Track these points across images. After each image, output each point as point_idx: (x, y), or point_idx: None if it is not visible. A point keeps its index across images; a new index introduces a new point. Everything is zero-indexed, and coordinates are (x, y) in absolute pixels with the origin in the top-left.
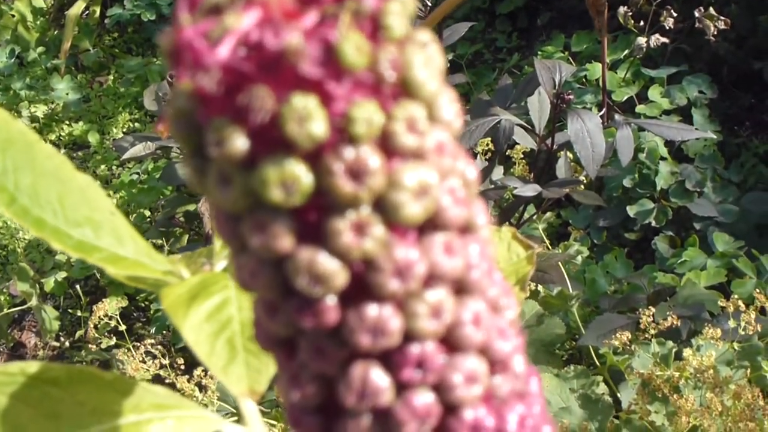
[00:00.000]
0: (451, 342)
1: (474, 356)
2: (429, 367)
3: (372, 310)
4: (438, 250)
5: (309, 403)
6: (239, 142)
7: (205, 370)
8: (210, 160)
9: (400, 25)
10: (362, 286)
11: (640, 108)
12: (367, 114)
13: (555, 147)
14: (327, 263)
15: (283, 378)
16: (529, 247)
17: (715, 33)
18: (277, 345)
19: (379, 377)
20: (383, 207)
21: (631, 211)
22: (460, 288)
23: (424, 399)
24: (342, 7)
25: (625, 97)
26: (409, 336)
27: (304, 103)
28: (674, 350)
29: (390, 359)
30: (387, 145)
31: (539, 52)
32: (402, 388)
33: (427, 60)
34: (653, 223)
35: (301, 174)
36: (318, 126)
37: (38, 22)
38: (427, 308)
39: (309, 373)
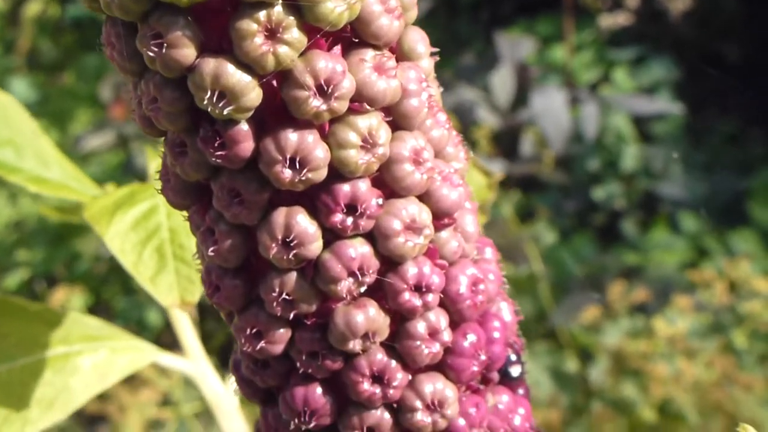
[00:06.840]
0: (386, 183)
1: (414, 202)
2: (362, 211)
3: (291, 136)
4: (367, 66)
5: (228, 263)
6: None
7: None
8: None
9: None
10: (279, 110)
11: (604, 89)
12: None
13: (519, 124)
14: (235, 75)
15: (197, 237)
16: (489, 174)
17: (678, 14)
18: (188, 195)
19: (304, 222)
20: (298, 4)
21: (597, 194)
22: (397, 120)
23: (359, 250)
24: None
25: (589, 79)
26: (337, 173)
27: None
28: (644, 324)
29: (317, 202)
30: None
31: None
32: (332, 236)
33: None
34: (620, 206)
35: None
36: None
37: None
38: (356, 136)
39: (225, 223)
